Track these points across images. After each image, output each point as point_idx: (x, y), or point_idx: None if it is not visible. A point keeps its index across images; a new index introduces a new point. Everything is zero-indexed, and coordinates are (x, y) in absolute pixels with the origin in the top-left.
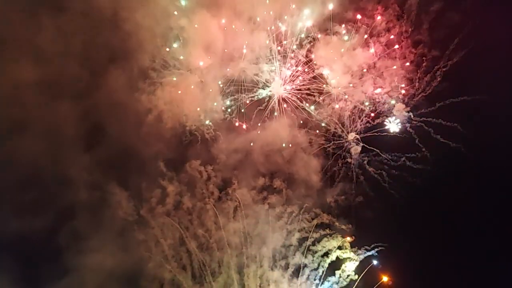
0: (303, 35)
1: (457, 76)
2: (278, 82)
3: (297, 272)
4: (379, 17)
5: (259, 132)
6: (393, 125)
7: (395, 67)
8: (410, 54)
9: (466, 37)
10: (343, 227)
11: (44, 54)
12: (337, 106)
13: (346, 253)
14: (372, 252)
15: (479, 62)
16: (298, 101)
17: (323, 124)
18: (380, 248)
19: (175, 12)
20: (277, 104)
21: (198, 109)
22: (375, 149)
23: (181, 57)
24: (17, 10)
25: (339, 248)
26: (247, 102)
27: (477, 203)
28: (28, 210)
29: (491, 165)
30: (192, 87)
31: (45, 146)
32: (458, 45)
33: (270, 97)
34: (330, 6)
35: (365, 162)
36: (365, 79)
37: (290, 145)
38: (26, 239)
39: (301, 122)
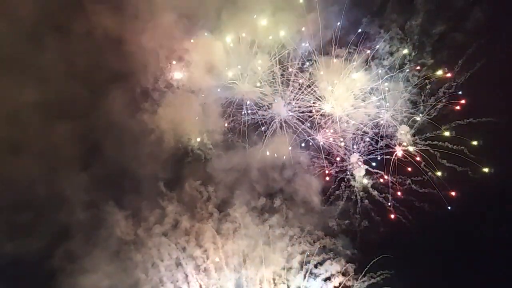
0: (305, 58)
1: (463, 98)
2: (280, 104)
3: None
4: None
5: (260, 153)
6: None
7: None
8: (414, 77)
9: (471, 58)
10: (348, 252)
11: (46, 75)
12: (339, 128)
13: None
14: (377, 279)
15: (485, 83)
16: (300, 123)
17: (325, 146)
18: (386, 275)
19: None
20: (278, 125)
21: (200, 129)
22: (379, 171)
23: (184, 78)
24: (19, 31)
25: (343, 274)
26: (249, 123)
27: (487, 228)
28: (24, 231)
29: (500, 188)
30: (194, 108)
31: (45, 167)
32: (463, 66)
33: (271, 118)
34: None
35: (369, 185)
36: (368, 102)
37: (292, 167)
38: (20, 261)
39: (303, 144)
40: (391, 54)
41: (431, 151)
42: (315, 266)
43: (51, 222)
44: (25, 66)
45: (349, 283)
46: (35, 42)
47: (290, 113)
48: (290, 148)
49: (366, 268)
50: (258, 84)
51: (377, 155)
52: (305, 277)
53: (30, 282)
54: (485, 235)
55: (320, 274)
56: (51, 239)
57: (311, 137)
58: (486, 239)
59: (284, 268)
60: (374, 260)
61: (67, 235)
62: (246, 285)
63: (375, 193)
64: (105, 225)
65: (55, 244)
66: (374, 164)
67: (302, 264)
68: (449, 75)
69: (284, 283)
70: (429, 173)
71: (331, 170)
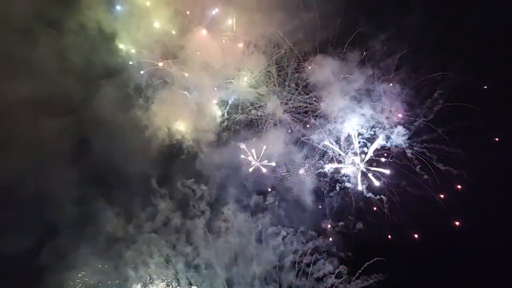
0: (301, 58)
1: (460, 100)
2: (276, 104)
3: None
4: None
5: (254, 152)
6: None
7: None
8: (411, 79)
9: (469, 59)
10: (341, 254)
11: (40, 70)
12: (334, 128)
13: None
14: (371, 281)
15: (483, 85)
16: (295, 123)
17: (320, 147)
18: (379, 278)
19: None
20: (273, 125)
21: (194, 127)
22: (374, 172)
23: (179, 76)
24: (12, 26)
25: (336, 276)
26: (244, 122)
27: (481, 232)
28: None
29: (494, 191)
30: (189, 105)
31: (35, 163)
32: (460, 68)
33: (267, 118)
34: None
35: (364, 186)
36: (363, 103)
37: (286, 166)
38: (8, 258)
39: (298, 143)
40: (388, 55)
41: (428, 153)
42: (308, 266)
43: (41, 219)
44: (16, 61)
45: (341, 286)
46: (26, 37)
47: (285, 113)
48: (284, 147)
49: (360, 271)
50: (254, 84)
51: (372, 156)
52: (297, 276)
53: (18, 280)
54: (482, 238)
55: (313, 273)
56: (40, 236)
57: (306, 137)
58: (483, 242)
59: (275, 267)
60: (368, 263)
61: (57, 231)
62: (237, 283)
63: (370, 195)
64: (96, 222)
65: (45, 241)
66: (369, 165)
67: (294, 263)
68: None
69: (276, 281)
70: (425, 176)
71: (325, 170)
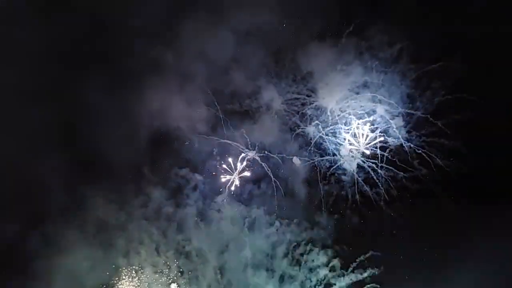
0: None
1: (461, 91)
2: (271, 95)
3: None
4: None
5: (249, 141)
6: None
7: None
8: (411, 70)
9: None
10: (337, 247)
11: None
12: (331, 121)
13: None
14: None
15: (485, 75)
16: (291, 115)
17: (316, 139)
18: (373, 272)
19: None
20: (269, 116)
21: (187, 115)
22: (372, 161)
23: (172, 62)
24: None
25: (330, 270)
26: (239, 112)
27: (481, 229)
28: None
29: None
30: (182, 93)
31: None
32: (462, 57)
33: (262, 109)
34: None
35: (361, 178)
36: (362, 95)
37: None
38: None
39: (293, 134)
40: (388, 45)
41: (427, 147)
42: (301, 255)
43: (29, 205)
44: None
45: (334, 280)
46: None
47: (281, 104)
48: (279, 137)
49: (355, 265)
50: (250, 74)
51: (368, 149)
52: (290, 265)
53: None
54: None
55: (306, 264)
56: (28, 223)
57: (302, 128)
58: (480, 239)
59: (268, 255)
60: (362, 257)
61: (45, 218)
62: (228, 271)
63: (366, 188)
64: (85, 208)
65: (33, 227)
66: (366, 158)
67: (287, 252)
68: None
69: (268, 270)
70: (423, 171)
71: (321, 162)
